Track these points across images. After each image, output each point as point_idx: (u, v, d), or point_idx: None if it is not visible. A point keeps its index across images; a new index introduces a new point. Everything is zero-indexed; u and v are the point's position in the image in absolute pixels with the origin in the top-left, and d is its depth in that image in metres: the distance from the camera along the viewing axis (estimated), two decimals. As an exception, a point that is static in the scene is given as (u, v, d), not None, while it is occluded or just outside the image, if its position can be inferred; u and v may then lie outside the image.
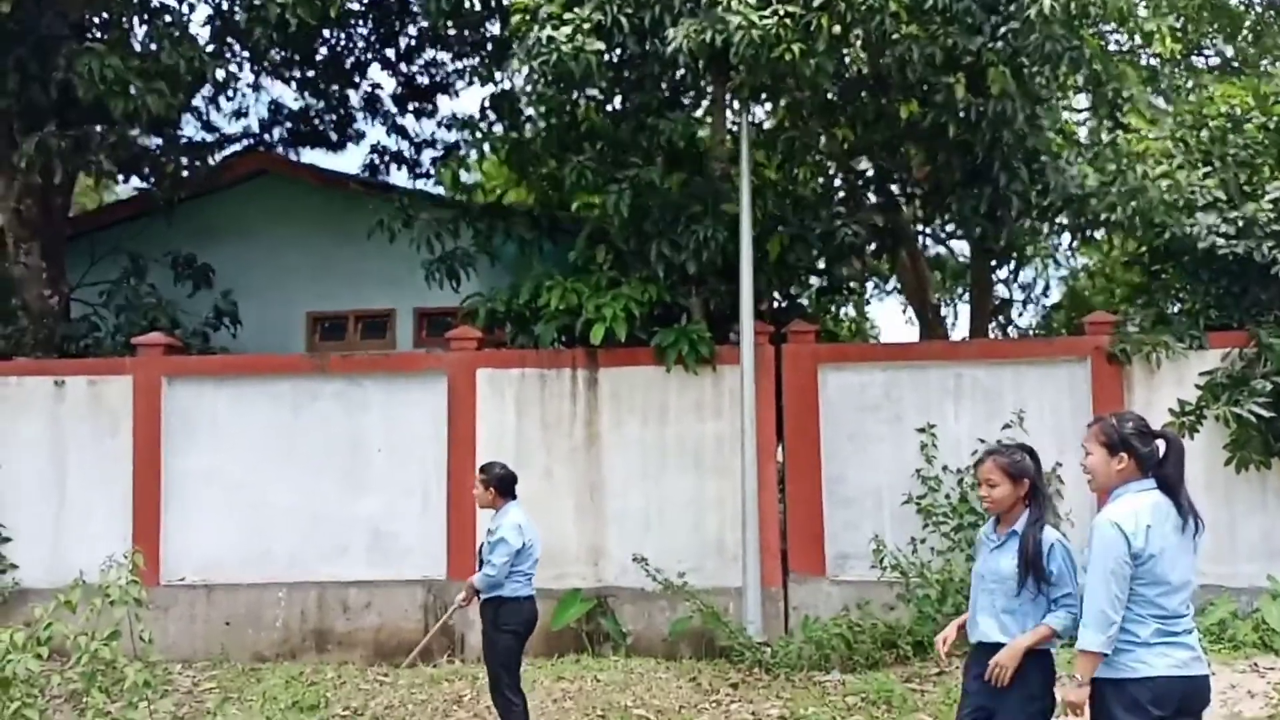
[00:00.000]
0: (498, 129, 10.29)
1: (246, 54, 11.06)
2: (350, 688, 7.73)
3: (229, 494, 9.27)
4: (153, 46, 8.87)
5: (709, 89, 9.49)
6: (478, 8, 9.38)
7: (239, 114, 12.90)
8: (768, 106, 10.97)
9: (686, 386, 9.20)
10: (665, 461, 9.18)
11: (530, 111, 9.76)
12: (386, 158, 13.46)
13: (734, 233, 8.91)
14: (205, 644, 8.98)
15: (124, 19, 9.40)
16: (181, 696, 7.62)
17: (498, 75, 9.96)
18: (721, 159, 9.69)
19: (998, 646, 4.09)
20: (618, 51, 8.73)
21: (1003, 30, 8.33)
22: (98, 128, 9.55)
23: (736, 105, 9.18)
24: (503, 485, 6.36)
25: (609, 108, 9.69)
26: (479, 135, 9.62)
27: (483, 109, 10.16)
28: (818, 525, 8.97)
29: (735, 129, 9.34)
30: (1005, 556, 4.16)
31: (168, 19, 9.41)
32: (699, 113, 10.41)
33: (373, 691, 7.66)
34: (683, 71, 8.49)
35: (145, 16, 9.62)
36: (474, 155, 9.89)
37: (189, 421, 9.35)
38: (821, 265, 11.01)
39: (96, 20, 10.02)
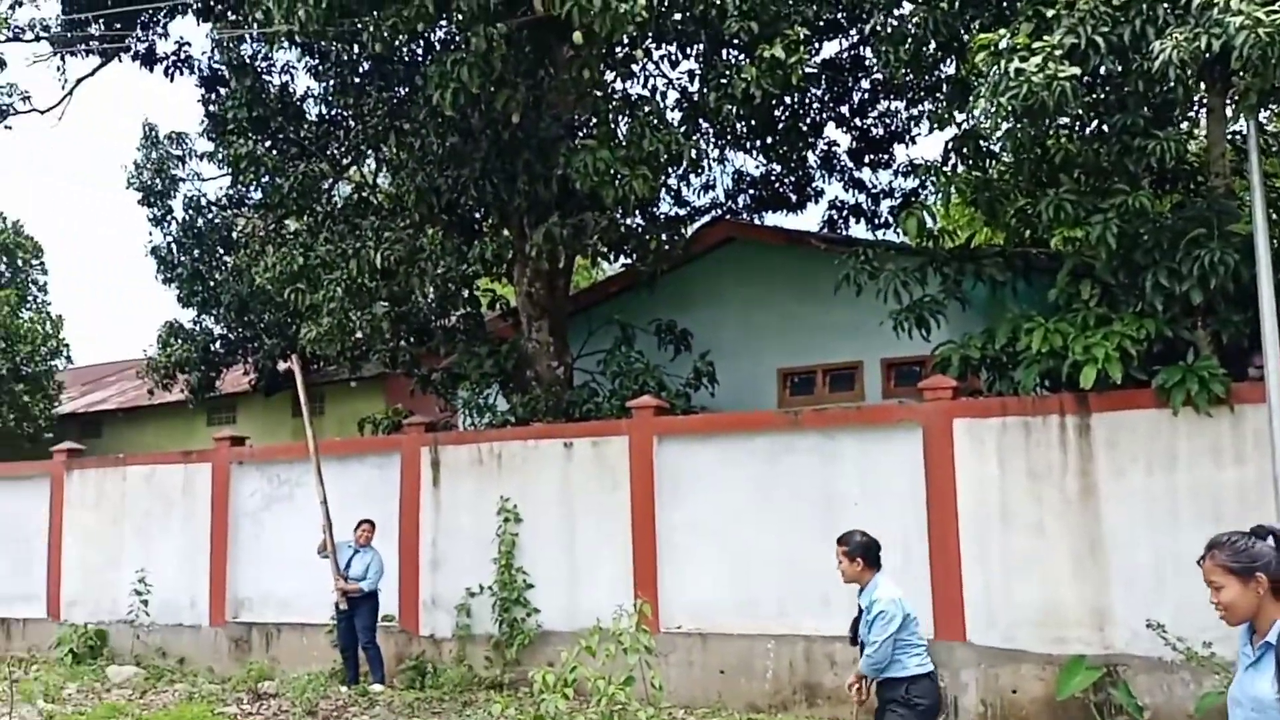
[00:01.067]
0: (961, 170, 9.99)
1: (712, 130, 11.82)
2: (844, 745, 7.70)
3: (715, 545, 9.75)
4: (634, 136, 9.75)
5: (1203, 99, 8.49)
6: (934, 51, 9.23)
7: (706, 187, 13.84)
8: (1275, 107, 9.59)
9: (1198, 430, 8.15)
10: (1176, 514, 8.17)
11: (998, 148, 9.36)
12: (845, 212, 13.68)
13: (1246, 254, 7.83)
14: (703, 690, 9.45)
15: (609, 115, 10.47)
16: (686, 740, 8.04)
17: (958, 116, 9.68)
18: (1223, 174, 8.61)
19: None
20: (1093, 74, 8.11)
21: None
22: (591, 214, 10.69)
23: (1235, 113, 8.11)
24: (869, 555, 5.77)
25: (1085, 133, 9.01)
26: (943, 179, 9.39)
27: (945, 152, 9.93)
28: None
29: (1237, 139, 8.24)
30: (1261, 678, 3.16)
31: (646, 109, 10.33)
32: (1185, 126, 9.36)
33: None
34: (1171, 84, 7.66)
35: (627, 111, 10.66)
36: (938, 200, 9.67)
37: (678, 477, 10.01)
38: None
39: (586, 119, 11.30)
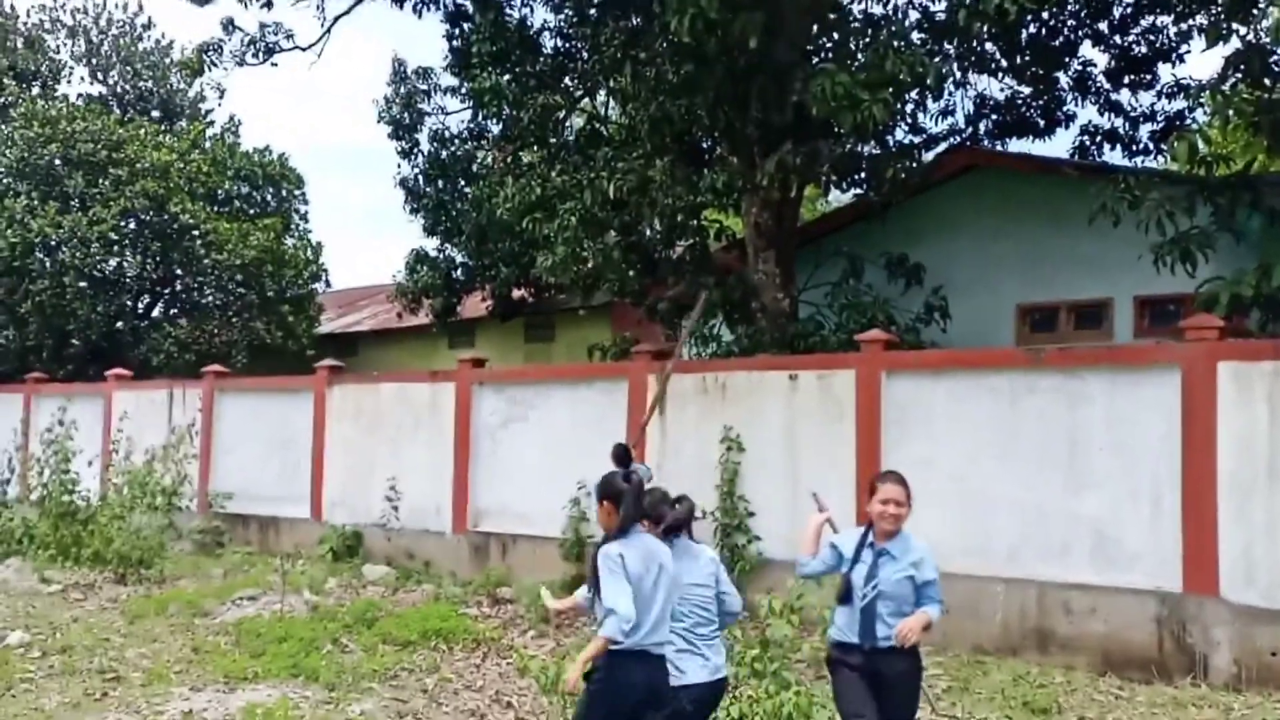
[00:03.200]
0: (1241, 90, 9.09)
1: (956, 51, 11.26)
2: (1082, 696, 7.44)
3: (944, 483, 9.49)
4: (875, 58, 9.41)
5: None
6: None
7: (945, 113, 13.25)
8: None
9: None
10: None
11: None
12: (1099, 138, 12.76)
13: None
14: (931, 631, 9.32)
15: (849, 38, 10.17)
16: (910, 676, 7.96)
17: (1239, 30, 8.77)
18: None
19: None
20: None
21: None
22: (825, 142, 10.47)
23: None
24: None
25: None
26: (1219, 99, 8.57)
27: (1223, 70, 9.05)
28: None
29: None
30: None
31: (888, 30, 9.96)
32: None
33: (1108, 704, 7.26)
34: None
35: (868, 32, 10.31)
36: (1213, 123, 8.85)
37: (906, 413, 9.79)
38: None
39: (824, 43, 11.01)
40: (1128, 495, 8.60)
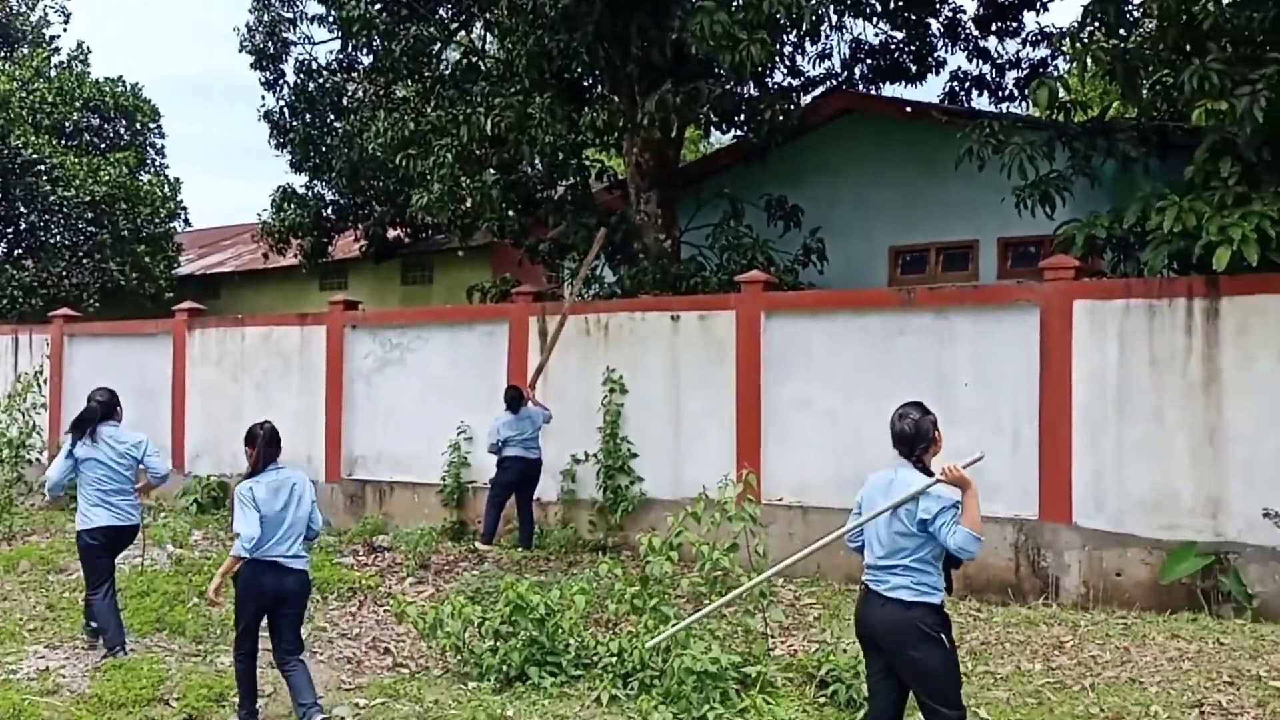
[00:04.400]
0: (1098, 38, 9.42)
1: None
2: (944, 618, 7.79)
3: (821, 421, 9.77)
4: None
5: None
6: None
7: (823, 56, 13.36)
8: None
9: (1337, 318, 7.77)
10: (1308, 406, 7.87)
11: (1140, 14, 8.79)
12: (967, 84, 13.09)
13: None
14: (803, 562, 9.59)
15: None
16: (786, 608, 8.24)
17: (1100, -22, 9.06)
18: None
19: None
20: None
21: None
22: (705, 82, 10.44)
23: None
24: None
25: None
26: (1078, 47, 8.87)
27: (1082, 18, 9.35)
28: None
29: None
30: None
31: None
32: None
33: (967, 625, 7.63)
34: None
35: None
36: (1071, 70, 9.17)
37: (785, 352, 9.98)
38: None
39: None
40: (991, 429, 8.97)
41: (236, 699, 6.09)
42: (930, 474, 4.59)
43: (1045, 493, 8.68)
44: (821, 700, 6.25)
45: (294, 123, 16.32)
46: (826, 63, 13.70)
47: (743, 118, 11.76)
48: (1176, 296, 8.32)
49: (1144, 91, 9.06)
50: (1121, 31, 9.28)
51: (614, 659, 6.59)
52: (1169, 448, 8.30)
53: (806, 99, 13.03)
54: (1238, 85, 7.81)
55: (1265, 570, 7.88)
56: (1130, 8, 9.00)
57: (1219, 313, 8.18)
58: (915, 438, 4.66)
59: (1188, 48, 8.52)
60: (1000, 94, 13.27)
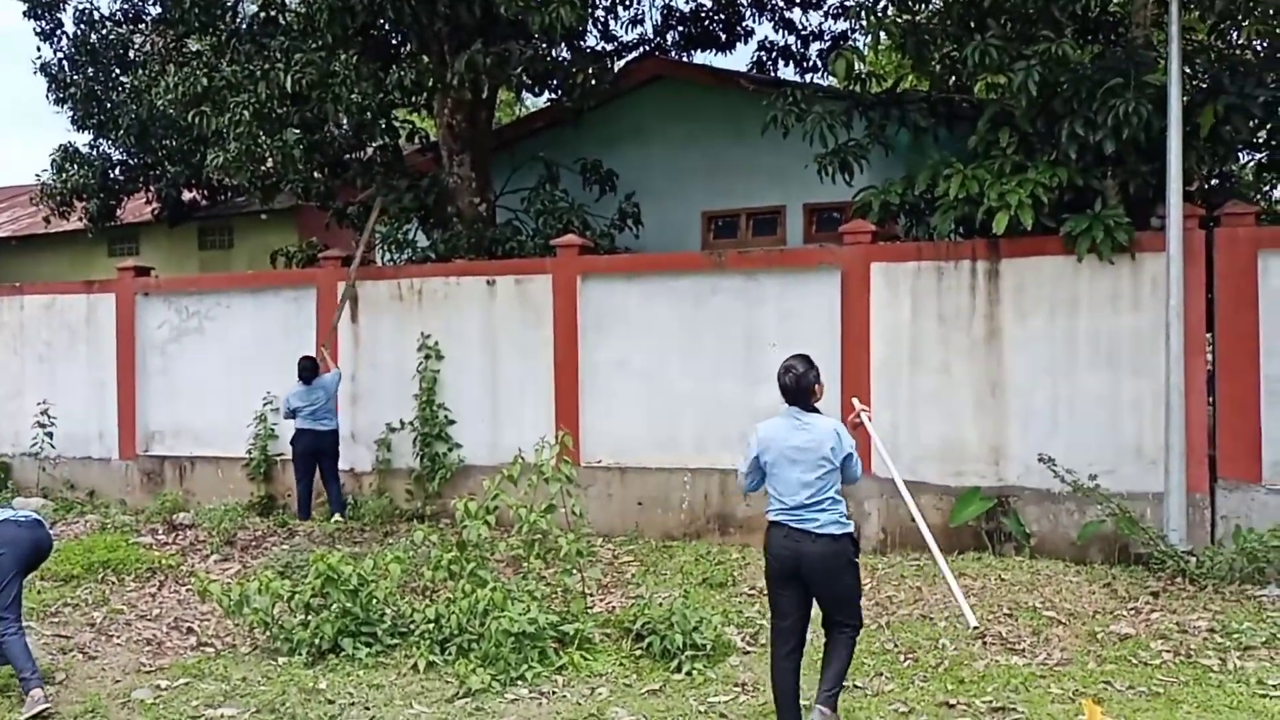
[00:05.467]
0: (891, 13, 9.87)
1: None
2: (754, 569, 8.10)
3: (637, 383, 9.94)
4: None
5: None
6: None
7: (635, 21, 13.43)
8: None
9: (1100, 277, 8.50)
10: (1075, 358, 8.59)
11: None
12: (774, 54, 13.46)
13: (1158, 106, 8.01)
14: (621, 521, 9.80)
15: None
16: (605, 567, 8.38)
17: (892, -44, 9.49)
18: (1143, 25, 8.73)
19: None
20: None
21: None
22: (516, 43, 10.31)
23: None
24: None
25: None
26: (873, 21, 9.28)
27: (877, -7, 9.78)
28: (1254, 428, 8.05)
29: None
30: None
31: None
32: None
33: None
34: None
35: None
36: (867, 43, 9.57)
37: (601, 316, 10.08)
38: (1262, 138, 9.61)
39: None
40: (796, 387, 9.35)
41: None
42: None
43: (846, 446, 9.12)
44: (638, 653, 6.40)
45: (75, 77, 15.07)
46: (639, 28, 13.82)
47: (555, 81, 11.70)
48: (962, 259, 8.89)
49: (932, 65, 9.60)
50: (912, 5, 9.75)
51: (431, 625, 6.54)
52: (956, 400, 8.90)
53: (620, 64, 13.07)
54: (1014, 60, 8.37)
55: (1041, 510, 8.59)
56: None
57: (999, 273, 8.80)
58: (798, 389, 5.08)
59: (971, 25, 9.05)
60: (805, 65, 13.74)
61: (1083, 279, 8.54)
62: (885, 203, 9.33)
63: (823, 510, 4.91)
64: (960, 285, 8.92)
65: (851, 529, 5.03)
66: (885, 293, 9.11)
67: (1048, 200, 8.35)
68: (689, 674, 6.07)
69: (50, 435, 11.92)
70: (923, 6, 9.85)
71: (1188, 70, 8.45)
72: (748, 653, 6.47)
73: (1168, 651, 6.21)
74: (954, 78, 9.73)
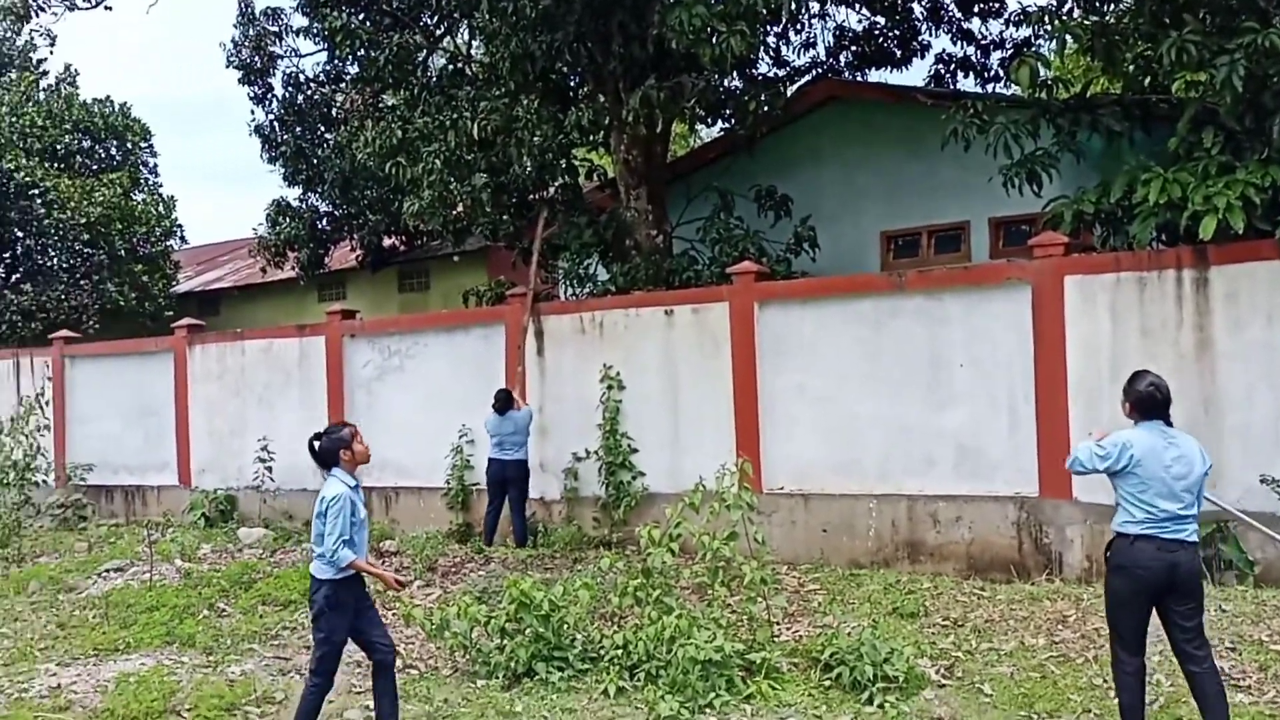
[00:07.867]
0: (1077, 15, 9.46)
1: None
2: (947, 599, 7.84)
3: (818, 408, 9.81)
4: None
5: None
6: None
7: (807, 45, 13.38)
8: None
9: (1325, 281, 7.80)
10: (1298, 370, 7.90)
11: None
12: (952, 66, 13.13)
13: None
14: (805, 548, 9.67)
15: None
16: (790, 595, 8.28)
17: (1077, -44, 9.11)
18: (1363, 6, 8.00)
19: None
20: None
21: None
22: (688, 76, 10.47)
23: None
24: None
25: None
26: (1058, 25, 8.90)
27: (1060, -4, 9.42)
28: None
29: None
30: None
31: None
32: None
33: (971, 604, 7.68)
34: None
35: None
36: (1052, 48, 9.19)
37: (779, 341, 10.02)
38: None
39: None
40: (987, 408, 9.03)
41: (248, 707, 6.14)
42: None
43: (1045, 469, 8.71)
44: (827, 683, 6.29)
45: (284, 136, 16.39)
46: (811, 51, 13.74)
47: (728, 110, 11.79)
48: (1165, 268, 8.35)
49: (1125, 66, 9.10)
50: (1099, 5, 9.30)
51: (619, 651, 6.65)
52: (1166, 418, 8.32)
53: (793, 89, 13.05)
54: (1216, 55, 7.84)
55: (1264, 538, 7.91)
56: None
57: (1208, 281, 8.22)
58: (1166, 402, 5.21)
59: (1166, 21, 8.54)
60: (986, 75, 13.31)
61: (1304, 284, 7.87)
62: (1078, 212, 8.90)
63: (1193, 521, 5.05)
64: (1165, 296, 8.38)
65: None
66: (1081, 307, 8.66)
67: (1260, 201, 7.76)
68: (880, 706, 5.92)
69: (270, 469, 12.83)
70: (1112, 6, 9.38)
71: None
72: (942, 686, 6.24)
73: None
74: (1149, 78, 9.18)
